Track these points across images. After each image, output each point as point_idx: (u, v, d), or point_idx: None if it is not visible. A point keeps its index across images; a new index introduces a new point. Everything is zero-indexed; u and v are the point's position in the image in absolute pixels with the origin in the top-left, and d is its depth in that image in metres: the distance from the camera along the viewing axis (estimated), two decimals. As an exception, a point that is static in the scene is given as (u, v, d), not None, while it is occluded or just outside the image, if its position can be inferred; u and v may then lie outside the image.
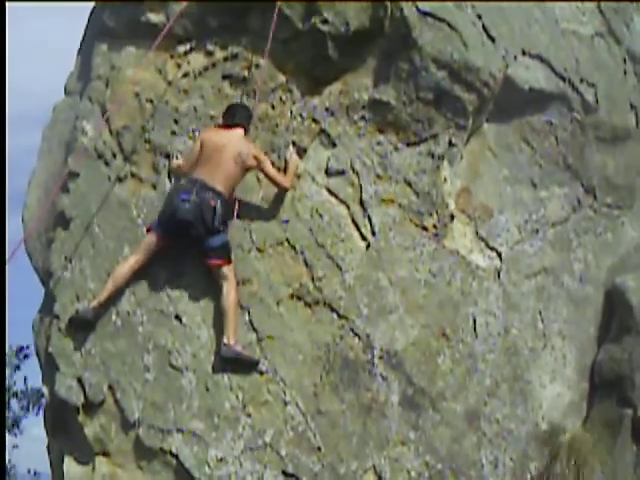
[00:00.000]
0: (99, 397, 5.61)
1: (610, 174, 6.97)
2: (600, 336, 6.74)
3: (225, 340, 5.46)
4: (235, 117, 5.82)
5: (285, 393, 5.55)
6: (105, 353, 5.68)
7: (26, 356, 14.01)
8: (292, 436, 5.50)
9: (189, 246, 5.64)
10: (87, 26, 6.95)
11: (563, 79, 6.65)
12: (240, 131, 5.79)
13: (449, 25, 6.08)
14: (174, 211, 5.48)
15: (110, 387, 5.63)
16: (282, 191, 5.89)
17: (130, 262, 5.65)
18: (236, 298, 5.55)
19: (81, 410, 5.62)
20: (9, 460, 13.98)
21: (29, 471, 14.07)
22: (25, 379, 14.10)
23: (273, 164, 5.87)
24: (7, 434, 13.98)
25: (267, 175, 5.78)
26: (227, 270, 5.57)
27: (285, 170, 5.91)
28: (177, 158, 5.98)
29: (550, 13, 6.87)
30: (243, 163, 5.64)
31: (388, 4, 5.99)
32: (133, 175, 6.10)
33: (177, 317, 5.68)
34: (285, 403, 5.54)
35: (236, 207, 5.77)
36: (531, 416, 6.19)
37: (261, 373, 5.56)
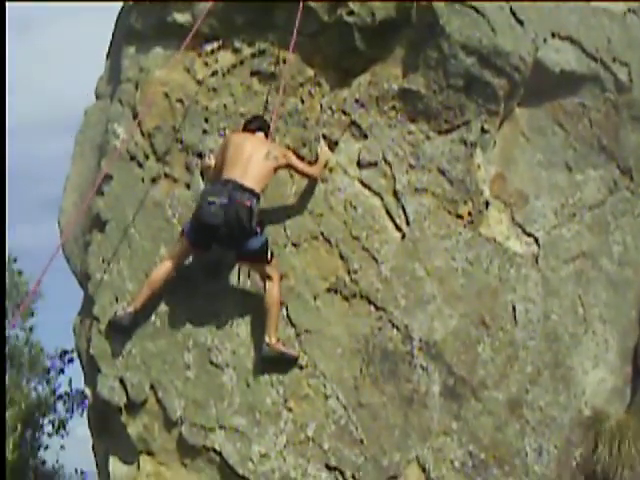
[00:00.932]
0: (141, 397, 5.66)
1: (646, 154, 6.85)
2: (642, 319, 6.64)
3: (267, 339, 5.46)
4: (255, 124, 5.83)
5: (325, 387, 5.56)
6: (146, 353, 5.74)
7: (70, 360, 14.19)
8: (334, 429, 5.50)
9: (225, 250, 5.62)
10: (115, 29, 7.01)
11: (595, 59, 6.53)
12: (262, 135, 5.79)
13: (476, 10, 6.02)
14: (200, 215, 5.40)
15: (152, 386, 5.68)
16: (312, 183, 5.88)
17: (165, 266, 5.63)
18: (279, 296, 5.52)
19: (124, 410, 5.68)
20: (57, 461, 14.20)
21: (76, 471, 14.27)
22: (70, 381, 14.29)
23: (303, 158, 5.86)
24: (55, 435, 14.19)
25: (296, 168, 5.77)
26: (270, 269, 5.54)
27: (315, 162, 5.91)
28: (208, 157, 5.97)
29: (580, -7, 6.75)
30: (274, 160, 5.61)
31: (414, -8, 5.95)
32: (166, 175, 6.14)
33: (216, 315, 5.71)
34: (326, 397, 5.55)
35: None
36: (574, 403, 6.11)
37: (301, 367, 5.57)
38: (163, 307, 5.80)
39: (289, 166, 5.75)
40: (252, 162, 5.52)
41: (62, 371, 14.58)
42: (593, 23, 6.67)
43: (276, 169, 5.68)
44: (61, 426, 13.99)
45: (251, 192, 5.44)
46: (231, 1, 6.23)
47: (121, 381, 5.72)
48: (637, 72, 6.73)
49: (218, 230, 5.36)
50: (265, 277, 5.53)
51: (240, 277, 5.74)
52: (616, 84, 6.64)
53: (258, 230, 5.49)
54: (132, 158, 6.24)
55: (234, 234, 5.40)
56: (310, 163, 5.91)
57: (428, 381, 5.68)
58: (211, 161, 5.88)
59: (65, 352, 14.24)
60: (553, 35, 6.39)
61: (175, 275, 5.72)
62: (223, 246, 5.58)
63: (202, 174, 6.03)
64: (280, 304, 5.56)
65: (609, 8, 6.84)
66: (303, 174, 5.82)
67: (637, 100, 6.75)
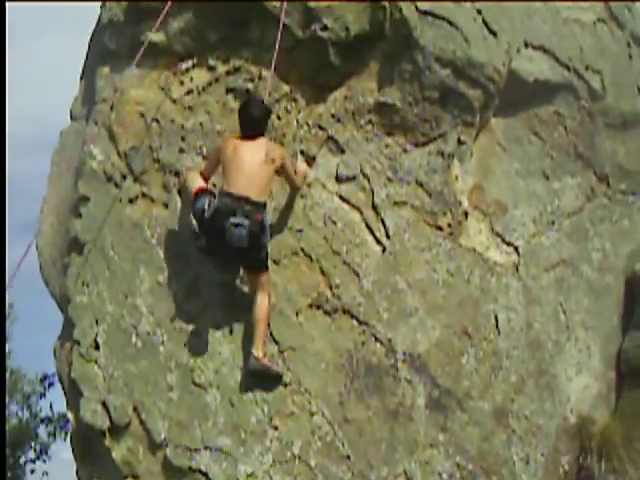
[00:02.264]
0: (124, 420, 5.60)
1: (622, 160, 6.93)
2: (624, 324, 6.69)
3: (254, 352, 5.41)
4: (255, 130, 5.63)
5: (310, 403, 5.53)
6: (127, 375, 5.68)
7: (51, 384, 14.07)
8: (320, 446, 5.46)
9: (231, 258, 5.60)
10: (88, 50, 6.97)
11: (568, 68, 6.60)
12: (261, 137, 5.64)
13: (449, 22, 6.05)
14: (224, 235, 5.27)
15: (135, 409, 5.62)
16: (292, 198, 5.86)
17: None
18: (269, 310, 5.50)
19: (107, 434, 5.61)
20: None
21: None
22: (51, 405, 14.16)
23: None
24: (37, 461, 14.04)
25: (287, 173, 5.66)
26: (265, 279, 5.52)
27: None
28: (185, 173, 5.93)
29: (550, 3, 6.81)
30: (272, 162, 5.49)
31: (387, 5, 5.96)
32: (144, 195, 6.09)
33: (197, 334, 5.66)
34: (311, 413, 5.52)
35: None
36: (559, 410, 6.14)
37: (285, 385, 5.53)
38: (144, 327, 5.75)
39: (282, 168, 5.61)
40: (254, 170, 5.42)
41: (43, 395, 14.47)
42: (565, 32, 6.75)
43: (276, 172, 5.58)
44: (44, 451, 13.86)
45: (261, 205, 5.40)
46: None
47: (104, 404, 5.65)
48: (610, 80, 6.82)
49: (242, 248, 5.33)
50: (258, 288, 5.49)
51: (220, 295, 5.70)
52: (590, 92, 6.72)
53: (267, 242, 5.51)
54: (109, 179, 6.18)
55: (252, 249, 5.37)
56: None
57: (413, 394, 5.67)
58: (187, 176, 5.82)
59: (45, 377, 14.13)
60: (526, 45, 6.46)
61: (156, 295, 5.68)
62: (236, 259, 5.57)
63: (179, 193, 6.00)
64: (268, 318, 5.52)
65: (580, 18, 6.93)
66: (292, 182, 5.75)
67: (611, 107, 6.83)
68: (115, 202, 6.13)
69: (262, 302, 5.47)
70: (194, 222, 5.76)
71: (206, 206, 5.39)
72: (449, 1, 6.14)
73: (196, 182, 5.65)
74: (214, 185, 5.73)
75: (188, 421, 5.52)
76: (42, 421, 14.43)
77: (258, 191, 5.40)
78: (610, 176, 6.84)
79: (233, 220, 5.24)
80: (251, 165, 5.43)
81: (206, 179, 5.73)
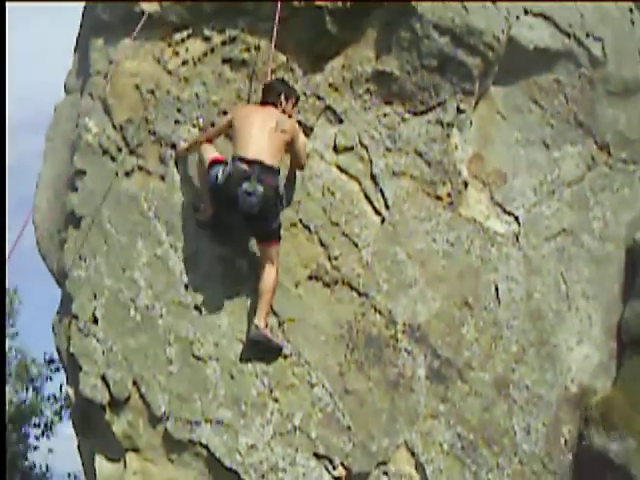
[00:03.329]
0: (124, 394, 5.58)
1: (623, 128, 6.83)
2: (625, 293, 6.64)
3: (256, 321, 5.39)
4: (268, 96, 5.65)
5: (311, 375, 5.51)
6: (127, 349, 5.65)
7: (58, 369, 14.10)
8: (321, 417, 5.45)
9: (244, 228, 5.56)
10: (82, 22, 6.87)
11: (568, 35, 6.50)
12: (273, 108, 5.60)
13: (448, -11, 5.96)
14: (236, 202, 5.24)
15: (134, 383, 5.59)
16: (294, 172, 5.80)
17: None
18: (276, 281, 5.46)
19: (107, 408, 5.58)
20: (47, 465, 14.13)
21: (69, 475, 14.18)
22: (61, 386, 14.19)
23: None
24: (42, 438, 14.10)
25: (295, 149, 5.60)
26: (275, 251, 5.48)
27: None
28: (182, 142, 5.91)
29: (550, -32, 6.71)
30: (283, 132, 5.44)
31: (384, -27, 5.88)
32: (140, 168, 6.03)
33: (196, 307, 5.63)
34: (311, 385, 5.50)
35: None
36: (560, 380, 6.12)
37: (285, 357, 5.51)
38: (143, 301, 5.71)
39: (292, 142, 5.55)
40: (265, 136, 5.38)
41: (49, 379, 14.53)
42: (565, -1, 6.64)
43: (287, 143, 5.51)
44: (49, 428, 13.92)
45: (275, 171, 5.36)
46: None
47: (103, 379, 5.62)
48: (611, 47, 6.72)
49: (253, 217, 5.32)
50: (266, 260, 5.45)
51: (219, 268, 5.66)
52: (590, 59, 6.62)
53: (280, 210, 5.47)
54: (105, 152, 6.12)
55: (266, 217, 5.35)
56: None
57: (414, 365, 5.65)
58: (185, 145, 5.82)
59: (52, 360, 14.16)
60: (526, 12, 6.37)
61: (154, 268, 5.65)
62: (247, 229, 5.54)
63: (176, 164, 5.94)
64: (274, 291, 5.48)
65: (582, -16, 6.82)
66: (297, 158, 5.68)
67: (612, 75, 6.74)
68: (111, 175, 6.07)
69: (269, 274, 5.43)
70: (192, 195, 5.71)
71: (220, 174, 5.34)
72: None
73: (210, 153, 5.62)
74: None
75: (188, 394, 5.50)
76: (47, 399, 14.49)
77: (270, 156, 5.35)
78: (611, 144, 6.76)
79: (246, 187, 5.21)
80: (262, 131, 5.39)
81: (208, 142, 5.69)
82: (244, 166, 5.29)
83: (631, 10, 7.04)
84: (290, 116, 5.67)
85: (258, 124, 5.43)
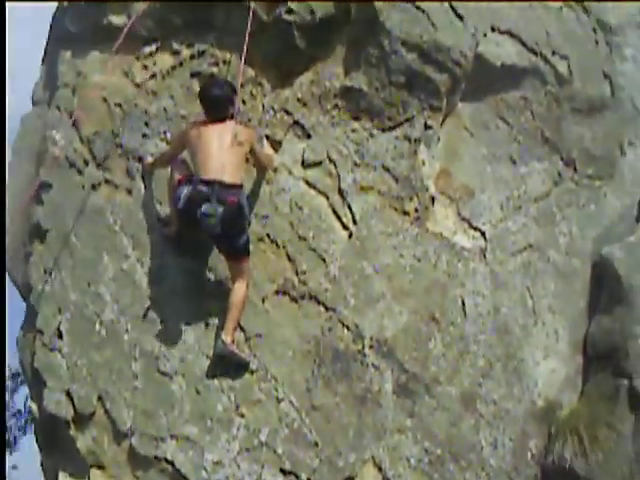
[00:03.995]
0: (89, 409, 5.54)
1: (589, 145, 6.91)
2: (590, 308, 6.69)
3: (223, 336, 5.36)
4: (220, 111, 5.47)
5: (277, 390, 5.49)
6: (92, 364, 5.61)
7: (22, 382, 13.91)
8: (287, 433, 5.43)
9: (212, 242, 5.53)
10: (49, 34, 6.83)
11: (535, 53, 6.57)
12: (227, 122, 5.47)
13: (416, 6, 6.01)
14: (201, 225, 5.23)
15: (99, 398, 5.56)
16: (260, 181, 5.79)
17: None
18: (245, 297, 5.44)
19: (72, 424, 5.55)
20: None
21: None
22: (26, 399, 14.00)
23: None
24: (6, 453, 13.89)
25: (256, 156, 5.58)
26: (245, 266, 5.46)
27: None
28: (149, 157, 5.90)
29: (516, -13, 6.80)
30: (241, 145, 5.37)
31: (353, -11, 5.92)
32: (107, 181, 6.01)
33: (162, 322, 5.61)
34: (278, 400, 5.48)
35: None
36: (527, 394, 6.15)
37: (252, 372, 5.50)
38: (108, 315, 5.67)
39: (251, 151, 5.51)
40: (223, 153, 5.29)
41: (15, 391, 14.32)
42: (531, 17, 6.72)
43: (245, 155, 5.47)
44: (12, 444, 13.72)
45: (236, 187, 5.31)
46: (167, 0, 6.09)
47: (68, 394, 5.59)
48: (576, 65, 6.81)
49: (216, 237, 5.33)
50: (237, 275, 5.43)
51: (184, 283, 5.64)
52: (556, 77, 6.70)
53: (247, 225, 5.45)
54: (71, 165, 6.09)
55: (231, 235, 5.32)
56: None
57: (381, 379, 5.65)
58: (151, 160, 5.82)
59: (17, 374, 13.96)
60: (493, 29, 6.42)
61: (120, 283, 5.61)
62: (216, 244, 5.50)
63: (143, 178, 5.91)
64: (243, 306, 5.45)
65: (546, 3, 6.91)
66: (260, 164, 5.66)
67: (577, 92, 6.82)
68: (78, 189, 6.04)
69: (239, 288, 5.40)
70: (158, 209, 5.67)
71: (182, 195, 5.30)
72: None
73: (178, 171, 5.57)
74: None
75: (153, 410, 5.47)
76: (13, 415, 14.28)
77: (230, 174, 5.29)
78: (577, 161, 6.84)
79: (205, 208, 5.15)
80: (219, 148, 5.32)
81: (168, 164, 5.66)
82: (203, 188, 5.24)
83: (595, 30, 7.15)
84: (246, 124, 5.65)
85: (214, 141, 5.35)
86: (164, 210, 5.80)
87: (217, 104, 5.47)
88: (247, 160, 5.55)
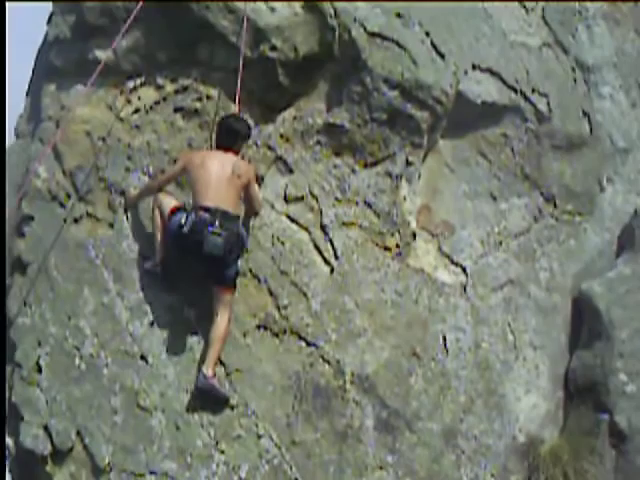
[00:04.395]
0: (67, 444, 5.47)
1: (568, 181, 7.00)
2: (571, 343, 6.73)
3: (204, 370, 5.35)
4: (231, 142, 5.61)
5: (258, 426, 5.47)
6: (71, 398, 5.56)
7: None
8: (268, 470, 5.40)
9: (202, 272, 5.52)
10: (34, 67, 6.86)
11: (515, 90, 6.69)
12: (228, 152, 5.58)
13: (398, 44, 6.11)
14: (200, 246, 5.24)
15: (78, 433, 5.50)
16: (248, 218, 5.83)
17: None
18: (227, 330, 5.45)
19: (49, 459, 5.48)
20: None
21: None
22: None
23: None
24: None
25: (252, 194, 5.63)
26: (229, 299, 5.47)
27: None
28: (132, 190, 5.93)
29: (497, 26, 6.92)
30: (239, 178, 5.45)
31: (336, 27, 6.00)
32: (89, 215, 6.00)
33: (142, 357, 5.59)
34: (258, 436, 5.45)
35: None
36: (508, 430, 6.15)
37: (232, 407, 5.48)
38: (88, 350, 5.63)
39: (247, 187, 5.57)
40: (222, 183, 5.39)
41: None
42: (512, 56, 6.84)
43: (242, 189, 5.53)
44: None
45: (237, 218, 5.42)
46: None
47: (45, 429, 5.52)
48: (555, 103, 6.92)
49: (215, 260, 5.32)
50: (220, 307, 5.43)
51: (165, 317, 5.62)
52: (536, 114, 6.80)
53: (241, 256, 5.52)
54: (53, 198, 6.08)
55: (227, 261, 5.37)
56: None
57: (362, 415, 5.64)
58: (142, 187, 5.85)
59: None
60: (474, 67, 6.53)
61: (100, 317, 5.59)
62: (207, 272, 5.49)
63: (126, 212, 5.91)
64: (225, 339, 5.45)
65: (526, 42, 7.04)
66: (252, 202, 5.70)
67: (557, 129, 6.92)
68: (60, 222, 6.02)
69: (222, 321, 5.41)
70: (141, 243, 5.68)
71: (183, 221, 5.34)
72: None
73: (169, 201, 5.62)
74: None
75: (133, 445, 5.42)
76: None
77: (231, 205, 5.40)
78: (557, 197, 6.92)
79: (212, 229, 5.23)
80: (219, 178, 5.41)
81: (160, 190, 5.71)
82: (205, 214, 5.31)
83: (573, 69, 7.27)
84: (249, 160, 5.75)
85: (215, 171, 5.43)
86: (147, 244, 5.80)
87: (234, 135, 5.64)
88: (243, 192, 5.59)
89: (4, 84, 6.63)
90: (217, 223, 5.27)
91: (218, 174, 5.42)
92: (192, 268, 5.54)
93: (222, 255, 5.28)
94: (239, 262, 5.53)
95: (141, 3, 5.89)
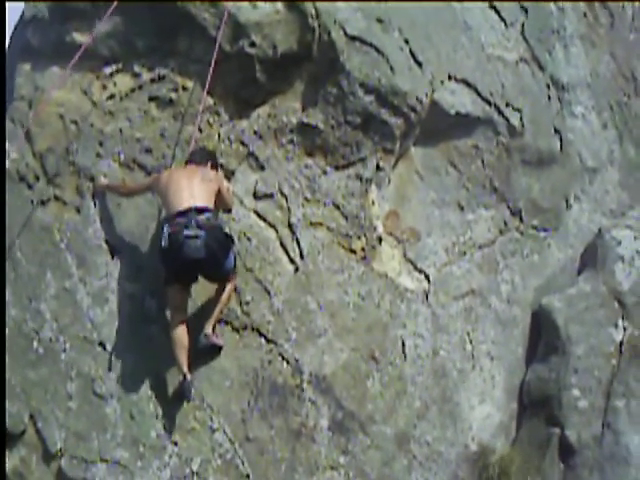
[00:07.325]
0: (19, 427, 5.45)
1: (536, 197, 7.08)
2: (528, 356, 6.81)
3: (206, 330, 5.40)
4: (201, 161, 5.65)
5: (212, 420, 5.47)
6: (26, 381, 5.53)
7: None
8: (220, 464, 5.41)
9: (204, 277, 5.51)
10: (10, 44, 6.79)
11: (489, 103, 6.74)
12: (195, 166, 5.61)
13: (377, 50, 6.13)
14: (183, 254, 5.20)
15: (31, 417, 5.49)
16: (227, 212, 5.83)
17: (180, 322, 5.42)
18: (231, 298, 5.55)
19: (-1, 442, 5.43)
20: None
21: None
22: None
23: None
24: None
25: (223, 194, 5.60)
26: (233, 280, 5.57)
27: None
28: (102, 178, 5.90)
29: (476, 39, 6.97)
30: (210, 182, 5.48)
31: (316, 27, 6.02)
32: (57, 198, 5.97)
33: (101, 344, 5.57)
34: (212, 430, 5.46)
35: None
36: (461, 438, 6.21)
37: (187, 400, 5.46)
38: (47, 333, 5.61)
39: (219, 191, 5.57)
40: (194, 186, 5.39)
41: None
42: (488, 69, 6.90)
43: (214, 191, 5.52)
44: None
45: (209, 210, 5.35)
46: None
47: (-2, 410, 5.48)
48: (528, 118, 6.99)
49: (202, 262, 5.27)
50: (229, 284, 5.52)
51: (127, 306, 5.61)
52: (509, 128, 6.87)
53: (232, 245, 5.49)
54: (22, 179, 6.04)
55: (218, 258, 5.34)
56: None
57: (317, 415, 5.67)
58: (104, 182, 5.85)
59: None
60: (450, 78, 6.58)
61: (61, 301, 5.56)
62: (205, 275, 5.48)
63: (94, 198, 5.89)
64: (228, 304, 5.54)
65: (503, 56, 7.11)
66: (225, 203, 5.69)
67: (528, 145, 7.00)
68: (27, 203, 5.98)
69: (229, 289, 5.50)
70: (104, 231, 5.65)
71: (162, 237, 5.29)
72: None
73: None
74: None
75: (86, 432, 5.41)
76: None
77: (202, 198, 5.37)
78: (523, 211, 6.99)
79: (187, 232, 5.18)
80: (189, 182, 5.41)
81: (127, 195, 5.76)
82: (180, 219, 5.26)
83: (548, 86, 7.36)
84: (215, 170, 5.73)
85: (184, 179, 5.43)
86: (112, 231, 5.78)
87: (203, 158, 5.68)
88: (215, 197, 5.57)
89: (4, 84, 6.55)
90: (193, 223, 5.21)
91: (189, 179, 5.43)
92: (195, 278, 5.50)
93: (205, 257, 5.23)
94: (233, 249, 5.49)
95: None
